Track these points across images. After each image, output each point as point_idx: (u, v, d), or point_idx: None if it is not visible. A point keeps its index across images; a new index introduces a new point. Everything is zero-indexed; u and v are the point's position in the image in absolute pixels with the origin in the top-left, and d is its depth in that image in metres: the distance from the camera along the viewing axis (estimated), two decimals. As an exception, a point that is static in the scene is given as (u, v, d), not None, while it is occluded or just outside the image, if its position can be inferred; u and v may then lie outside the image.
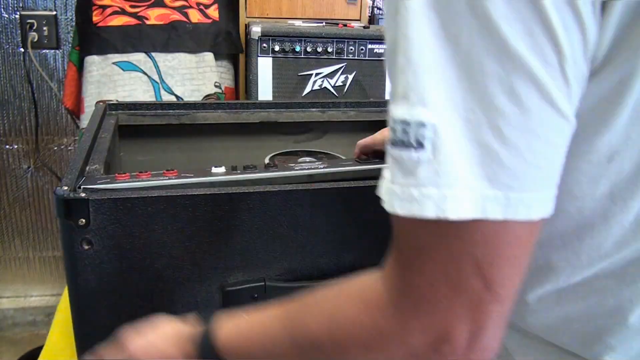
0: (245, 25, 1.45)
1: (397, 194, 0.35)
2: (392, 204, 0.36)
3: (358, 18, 1.53)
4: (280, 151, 0.96)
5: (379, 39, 1.38)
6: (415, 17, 0.34)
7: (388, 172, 0.37)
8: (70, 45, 1.61)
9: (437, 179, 0.34)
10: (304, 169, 0.65)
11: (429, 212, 0.34)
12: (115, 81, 1.33)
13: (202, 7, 1.43)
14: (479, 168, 0.34)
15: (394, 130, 0.35)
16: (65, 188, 0.57)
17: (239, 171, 0.64)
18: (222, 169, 0.64)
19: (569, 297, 0.46)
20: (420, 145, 0.34)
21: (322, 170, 0.64)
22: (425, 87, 0.34)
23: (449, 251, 0.35)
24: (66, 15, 1.69)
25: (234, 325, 0.50)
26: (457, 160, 0.33)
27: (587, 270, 0.44)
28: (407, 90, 0.34)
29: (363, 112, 1.06)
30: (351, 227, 0.65)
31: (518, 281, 0.37)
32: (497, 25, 0.32)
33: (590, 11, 0.34)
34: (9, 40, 1.69)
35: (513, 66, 0.33)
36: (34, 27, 1.66)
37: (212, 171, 0.64)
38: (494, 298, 0.36)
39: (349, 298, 0.42)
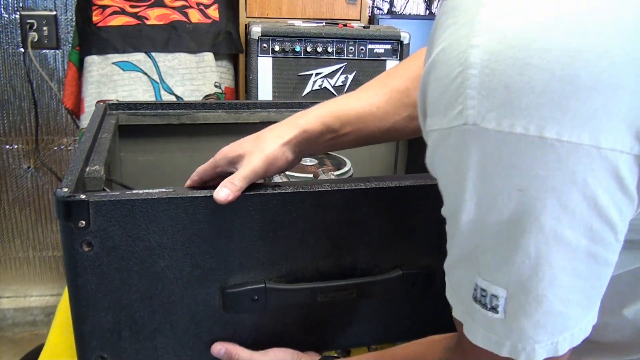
0: (245, 25, 1.44)
1: (480, 334, 0.44)
2: (475, 339, 0.45)
3: (358, 18, 1.53)
4: (281, 152, 0.95)
5: (379, 39, 1.38)
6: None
7: (469, 315, 0.45)
8: (70, 45, 1.61)
9: (510, 334, 0.42)
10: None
11: (505, 354, 0.43)
12: (115, 81, 1.33)
13: (202, 7, 1.43)
14: (552, 326, 0.42)
15: (476, 290, 0.44)
16: (65, 189, 0.57)
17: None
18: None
19: None
20: (494, 310, 0.43)
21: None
22: (500, 275, 0.42)
23: None
24: (66, 15, 1.69)
25: None
26: (526, 323, 0.42)
27: None
28: (487, 272, 0.43)
29: (363, 112, 1.06)
30: (351, 228, 0.65)
31: None
32: (560, 234, 0.38)
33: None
34: (9, 40, 1.69)
35: (575, 256, 0.39)
36: (34, 27, 1.66)
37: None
38: None
39: None
